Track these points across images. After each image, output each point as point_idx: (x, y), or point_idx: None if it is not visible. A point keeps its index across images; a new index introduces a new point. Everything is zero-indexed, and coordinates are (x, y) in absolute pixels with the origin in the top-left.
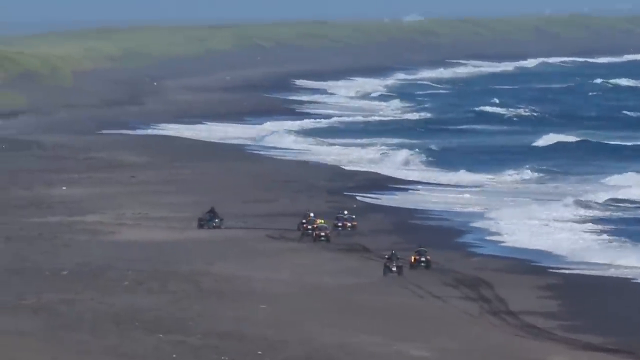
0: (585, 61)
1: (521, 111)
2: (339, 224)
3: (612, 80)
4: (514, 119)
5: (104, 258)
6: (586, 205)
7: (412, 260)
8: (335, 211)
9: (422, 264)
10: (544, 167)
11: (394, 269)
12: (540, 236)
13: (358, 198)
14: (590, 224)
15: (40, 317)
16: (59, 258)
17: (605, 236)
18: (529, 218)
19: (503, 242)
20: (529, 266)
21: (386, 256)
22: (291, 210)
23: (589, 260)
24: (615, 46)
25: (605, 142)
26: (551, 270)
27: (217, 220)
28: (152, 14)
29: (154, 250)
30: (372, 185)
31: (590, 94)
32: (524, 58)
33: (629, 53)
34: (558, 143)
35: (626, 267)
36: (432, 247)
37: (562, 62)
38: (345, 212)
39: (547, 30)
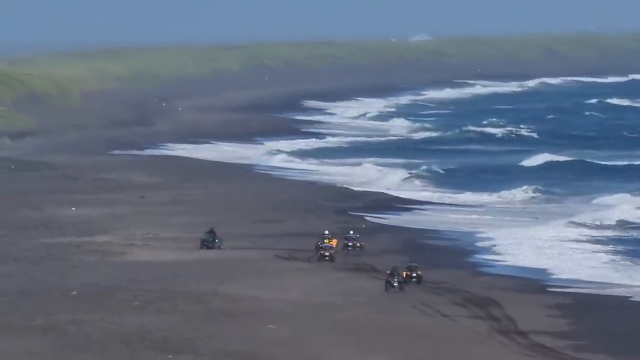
0: (592, 81)
1: (522, 131)
2: (349, 244)
3: (608, 100)
4: (512, 137)
5: (114, 278)
6: (590, 225)
7: (404, 275)
8: (344, 231)
9: (414, 279)
10: (541, 187)
11: (396, 284)
12: (548, 255)
13: (366, 218)
14: (598, 244)
15: (49, 337)
16: (68, 279)
17: (613, 256)
18: (535, 237)
19: (511, 261)
20: (537, 285)
21: (388, 272)
22: (300, 230)
23: (598, 280)
24: (622, 65)
25: (598, 162)
26: (560, 289)
27: (216, 240)
28: (161, 34)
29: (164, 271)
30: (380, 205)
31: (586, 113)
32: (531, 77)
33: (634, 72)
34: (550, 162)
35: (637, 287)
36: (440, 266)
37: (564, 81)
38: (351, 231)
39: (555, 49)
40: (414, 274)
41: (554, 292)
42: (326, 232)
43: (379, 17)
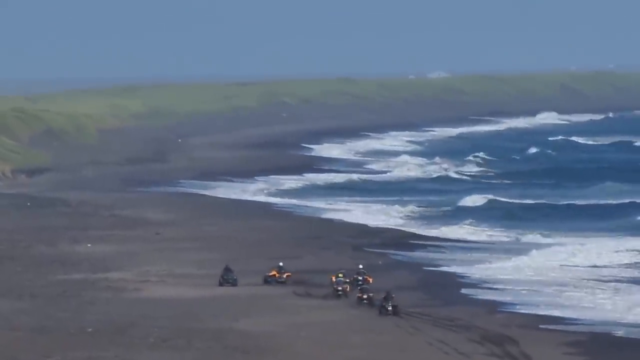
0: (589, 120)
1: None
2: (360, 279)
3: (571, 138)
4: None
5: (129, 315)
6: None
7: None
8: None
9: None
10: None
11: (390, 308)
12: (562, 292)
13: (382, 255)
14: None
15: None
16: (84, 315)
17: (624, 293)
18: (546, 274)
19: (525, 297)
20: (554, 322)
21: (382, 296)
22: (317, 266)
23: (614, 319)
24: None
25: (513, 200)
26: (576, 326)
27: (231, 277)
28: (178, 71)
29: (179, 307)
30: (396, 242)
31: (530, 151)
32: (540, 113)
33: None
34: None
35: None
36: (457, 303)
37: (564, 119)
38: (360, 266)
39: (572, 86)
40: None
41: (570, 329)
42: (360, 266)
43: (396, 55)
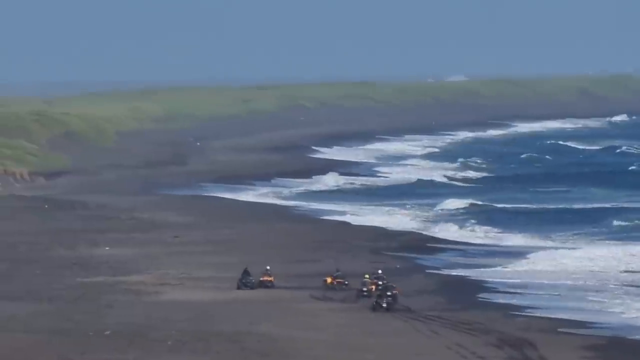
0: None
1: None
2: (380, 283)
3: (563, 142)
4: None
5: (147, 318)
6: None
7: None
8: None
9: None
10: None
11: (384, 305)
12: (579, 296)
13: (400, 258)
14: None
15: None
16: (102, 318)
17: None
18: (557, 278)
19: (543, 301)
20: (572, 326)
21: (378, 293)
22: (334, 270)
23: (632, 323)
24: None
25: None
26: (594, 330)
27: (250, 281)
28: (196, 74)
29: (198, 311)
30: (415, 246)
31: (522, 156)
32: (561, 118)
33: None
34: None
35: None
36: (475, 307)
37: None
38: (380, 271)
39: (590, 91)
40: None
41: (589, 333)
42: (380, 271)
43: (415, 58)
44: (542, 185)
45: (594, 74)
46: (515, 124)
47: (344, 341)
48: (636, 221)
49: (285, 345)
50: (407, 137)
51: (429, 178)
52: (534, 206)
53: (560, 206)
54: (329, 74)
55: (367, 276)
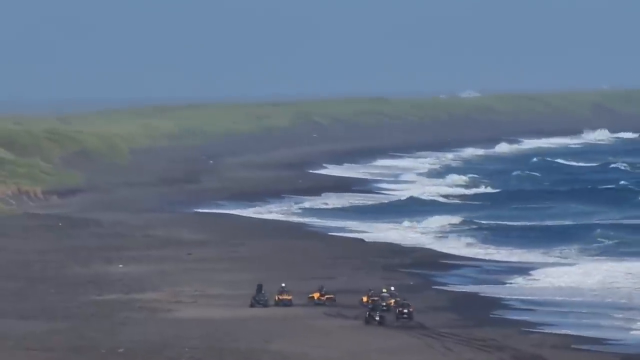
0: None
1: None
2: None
3: (555, 159)
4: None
5: (161, 336)
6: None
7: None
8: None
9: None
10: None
11: (377, 318)
12: (593, 312)
13: (414, 275)
14: None
15: None
16: (117, 336)
17: None
18: (573, 295)
19: (556, 318)
20: (586, 343)
21: (369, 306)
22: (349, 287)
23: None
24: None
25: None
26: (608, 346)
27: (263, 298)
28: (210, 92)
29: (211, 328)
30: (428, 262)
31: (513, 173)
32: (576, 134)
33: None
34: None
35: None
36: (489, 323)
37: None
38: (392, 288)
39: (605, 106)
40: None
41: (603, 349)
42: (392, 288)
43: (428, 74)
44: (528, 202)
45: (608, 89)
46: (524, 140)
47: (357, 358)
48: (620, 238)
49: None
50: (417, 154)
51: (420, 195)
52: (519, 223)
53: (545, 223)
54: (343, 91)
55: (384, 290)
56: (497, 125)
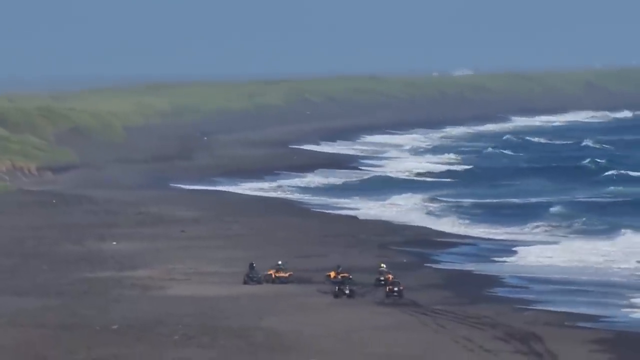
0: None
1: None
2: (381, 278)
3: (527, 137)
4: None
5: (154, 313)
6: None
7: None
8: (387, 266)
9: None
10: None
11: (347, 292)
12: (585, 290)
13: (407, 252)
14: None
15: None
16: (109, 313)
17: None
18: (561, 272)
19: (550, 295)
20: (580, 320)
21: (339, 281)
22: (342, 264)
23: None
24: None
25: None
26: (602, 324)
27: (256, 275)
28: (203, 69)
29: (204, 305)
30: (422, 240)
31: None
32: (568, 112)
33: None
34: None
35: None
36: (483, 301)
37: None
38: (383, 265)
39: (596, 84)
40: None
41: (596, 327)
42: (383, 265)
43: (420, 52)
44: (496, 180)
45: (601, 67)
46: (514, 119)
47: (350, 335)
48: (581, 216)
49: (292, 340)
50: (408, 131)
51: (390, 173)
52: (491, 200)
53: (513, 200)
54: (336, 69)
55: (383, 266)
56: (490, 104)
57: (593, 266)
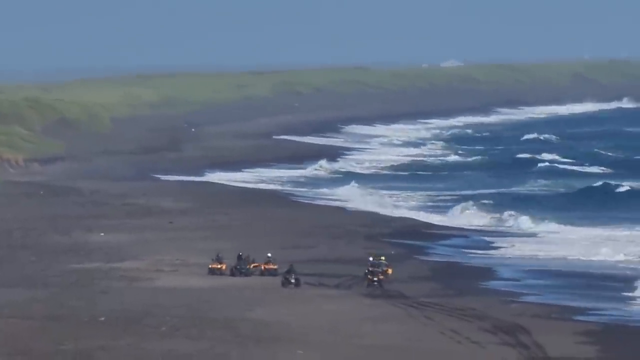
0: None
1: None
2: (369, 270)
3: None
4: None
5: (142, 304)
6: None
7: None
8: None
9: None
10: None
11: (293, 281)
12: (571, 283)
13: (395, 244)
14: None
15: None
16: (97, 304)
17: None
18: (545, 264)
19: (537, 287)
20: (567, 312)
21: (286, 270)
22: (329, 256)
23: (627, 309)
24: None
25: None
26: (589, 316)
27: (244, 267)
28: (191, 60)
29: (192, 297)
30: (410, 232)
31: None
32: (558, 104)
33: None
34: None
35: None
36: (470, 293)
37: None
38: (371, 258)
39: (586, 75)
40: (292, 279)
41: (583, 319)
42: (371, 258)
43: (409, 43)
44: (440, 172)
45: (589, 59)
46: (500, 110)
47: (338, 327)
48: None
49: (280, 331)
50: (392, 123)
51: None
52: (428, 193)
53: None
54: (325, 60)
55: (382, 258)
56: (478, 96)
57: (583, 258)
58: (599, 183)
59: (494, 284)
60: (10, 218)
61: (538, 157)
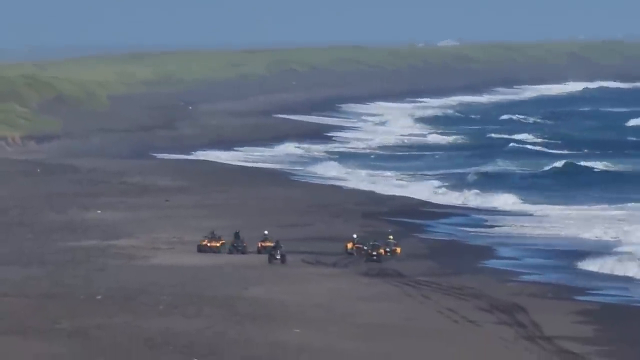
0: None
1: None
2: (365, 248)
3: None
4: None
5: (138, 282)
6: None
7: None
8: (371, 235)
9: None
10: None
11: (278, 257)
12: (567, 262)
13: (393, 223)
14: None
15: (74, 341)
16: (93, 282)
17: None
18: (544, 243)
19: (534, 267)
20: (564, 292)
21: (272, 245)
22: (327, 234)
23: (625, 288)
24: None
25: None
26: (586, 295)
27: (241, 245)
28: (187, 38)
29: (188, 275)
30: (407, 210)
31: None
32: (552, 83)
33: None
34: None
35: None
36: (467, 272)
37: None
38: (355, 235)
39: (581, 55)
40: (278, 256)
41: (580, 298)
42: (354, 235)
43: (405, 23)
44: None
45: (585, 39)
46: (496, 90)
47: (335, 305)
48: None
49: (277, 310)
50: (375, 103)
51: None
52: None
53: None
54: (321, 39)
55: (390, 238)
56: (475, 75)
57: (577, 237)
58: (562, 163)
59: (491, 262)
60: (6, 196)
61: (508, 136)
